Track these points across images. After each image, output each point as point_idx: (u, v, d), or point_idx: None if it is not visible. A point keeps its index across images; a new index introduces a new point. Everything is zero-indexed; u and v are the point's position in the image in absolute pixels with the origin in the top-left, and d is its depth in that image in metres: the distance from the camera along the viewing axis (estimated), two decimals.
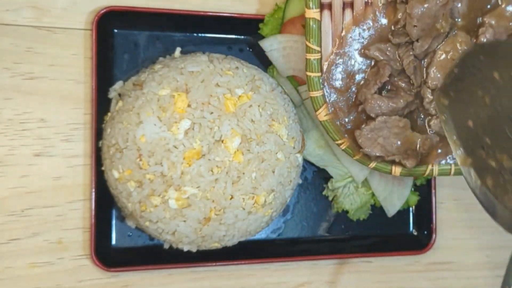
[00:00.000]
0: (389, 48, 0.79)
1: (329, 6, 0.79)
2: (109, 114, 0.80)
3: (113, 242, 0.83)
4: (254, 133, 0.75)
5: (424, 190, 0.90)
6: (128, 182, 0.74)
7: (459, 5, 0.79)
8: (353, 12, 0.80)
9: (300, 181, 0.83)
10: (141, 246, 0.84)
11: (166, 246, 0.80)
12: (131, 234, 0.83)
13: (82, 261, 0.82)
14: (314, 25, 0.77)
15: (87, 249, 0.81)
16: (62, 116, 0.81)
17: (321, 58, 0.78)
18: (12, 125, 0.79)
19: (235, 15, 0.85)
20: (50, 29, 0.81)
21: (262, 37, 0.85)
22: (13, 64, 0.79)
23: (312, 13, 0.77)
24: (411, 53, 0.79)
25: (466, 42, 0.79)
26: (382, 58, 0.79)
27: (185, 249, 0.78)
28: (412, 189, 0.88)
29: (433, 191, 0.90)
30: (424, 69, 0.81)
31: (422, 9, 0.76)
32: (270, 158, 0.76)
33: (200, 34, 0.86)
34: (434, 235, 0.90)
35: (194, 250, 0.79)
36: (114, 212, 0.83)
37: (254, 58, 0.86)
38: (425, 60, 0.81)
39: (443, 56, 0.80)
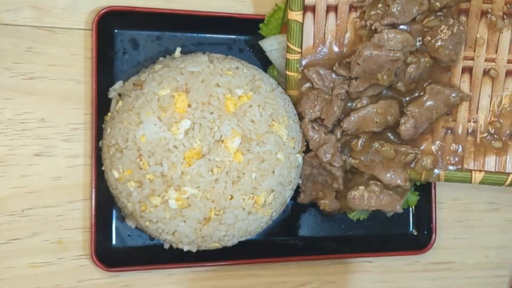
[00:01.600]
0: (327, 76, 0.82)
1: (313, 9, 0.81)
2: (109, 114, 0.80)
3: (113, 242, 0.83)
4: (254, 133, 0.75)
5: (424, 190, 0.90)
6: (128, 182, 0.74)
7: (409, 70, 0.80)
8: (336, 15, 0.81)
9: (300, 181, 0.83)
10: (141, 246, 0.84)
11: (166, 246, 0.80)
12: (131, 234, 0.83)
13: (82, 261, 0.82)
14: (295, 27, 0.80)
15: (87, 249, 0.81)
16: (62, 116, 0.81)
17: (301, 59, 0.81)
18: (12, 125, 0.79)
19: (235, 15, 0.85)
20: (50, 29, 0.81)
21: (262, 37, 0.85)
22: (13, 64, 0.79)
23: (294, 15, 0.80)
24: (345, 87, 0.81)
25: (395, 117, 0.81)
26: (317, 82, 0.81)
27: (185, 249, 0.78)
28: (412, 189, 0.88)
29: (433, 191, 0.90)
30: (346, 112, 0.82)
31: (372, 53, 0.78)
32: (270, 158, 0.76)
33: (200, 34, 0.86)
34: (434, 235, 0.90)
35: (194, 250, 0.79)
36: (114, 212, 0.83)
37: (254, 58, 0.86)
38: (354, 103, 0.82)
39: (372, 112, 0.81)
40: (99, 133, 0.79)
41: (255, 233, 0.80)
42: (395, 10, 0.79)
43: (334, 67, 0.81)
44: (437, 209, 0.91)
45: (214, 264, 0.84)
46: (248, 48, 0.88)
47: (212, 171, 0.73)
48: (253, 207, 0.76)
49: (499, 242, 0.96)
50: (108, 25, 0.81)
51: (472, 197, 0.95)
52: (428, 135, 0.83)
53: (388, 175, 0.82)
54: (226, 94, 0.75)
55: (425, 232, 0.91)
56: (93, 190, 0.79)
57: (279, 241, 0.89)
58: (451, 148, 0.83)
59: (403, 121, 0.81)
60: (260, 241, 0.88)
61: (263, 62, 0.86)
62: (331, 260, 0.90)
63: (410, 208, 0.93)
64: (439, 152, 0.83)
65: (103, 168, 0.79)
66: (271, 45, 0.84)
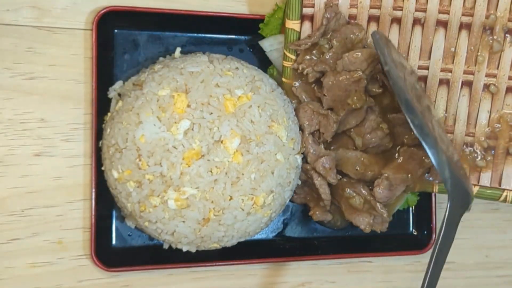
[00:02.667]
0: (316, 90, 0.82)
1: (311, 18, 0.80)
2: (109, 114, 0.80)
3: (113, 242, 0.83)
4: (253, 134, 0.75)
5: None
6: (128, 182, 0.74)
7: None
8: None
9: (300, 182, 0.83)
10: (141, 246, 0.84)
11: (165, 246, 0.80)
12: (131, 234, 0.83)
13: (82, 261, 0.82)
14: (292, 35, 0.81)
15: (87, 249, 0.81)
16: (62, 116, 0.81)
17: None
18: (12, 125, 0.79)
19: (235, 15, 0.85)
20: (50, 29, 0.81)
21: (262, 37, 0.85)
22: (13, 64, 0.79)
23: (292, 24, 0.80)
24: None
25: (375, 175, 0.81)
26: (304, 98, 0.82)
27: (184, 249, 0.78)
28: None
29: None
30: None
31: (333, 80, 0.78)
32: (269, 159, 0.75)
33: (200, 34, 0.86)
34: (434, 235, 0.90)
35: (193, 250, 0.79)
36: (114, 212, 0.83)
37: (254, 58, 0.86)
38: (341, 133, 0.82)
39: (357, 158, 0.81)
40: (99, 133, 0.80)
41: (254, 233, 0.80)
42: (329, 58, 0.79)
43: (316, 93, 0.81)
44: (437, 209, 0.91)
45: (214, 264, 0.84)
46: (248, 48, 0.87)
47: (211, 171, 0.73)
48: (252, 208, 0.76)
49: (499, 242, 0.96)
50: (108, 25, 0.81)
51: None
52: None
53: (353, 216, 0.82)
54: (225, 94, 0.75)
55: (425, 232, 0.91)
56: (93, 190, 0.79)
57: (279, 241, 0.89)
58: None
59: (377, 183, 0.80)
60: (260, 241, 0.88)
61: (263, 62, 0.86)
62: (331, 260, 0.90)
63: (410, 208, 0.93)
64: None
65: (103, 168, 0.79)
66: (271, 45, 0.84)
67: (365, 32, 0.81)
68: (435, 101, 0.83)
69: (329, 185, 0.82)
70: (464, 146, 0.83)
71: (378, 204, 0.81)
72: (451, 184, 0.72)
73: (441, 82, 0.82)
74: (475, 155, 0.82)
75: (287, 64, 0.82)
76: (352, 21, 0.81)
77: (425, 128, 0.70)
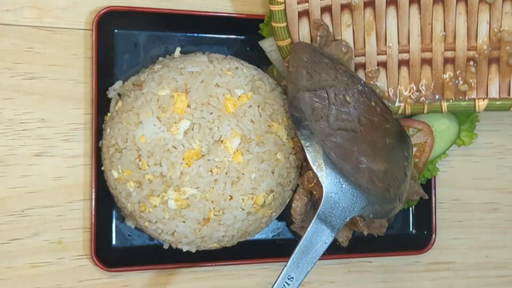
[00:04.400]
0: None
1: None
2: (108, 114, 0.80)
3: (113, 242, 0.83)
4: (253, 134, 0.75)
5: (424, 190, 0.89)
6: (128, 183, 0.74)
7: None
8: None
9: (300, 182, 0.83)
10: (141, 246, 0.84)
11: (165, 246, 0.80)
12: (131, 234, 0.83)
13: (82, 261, 0.82)
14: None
15: (87, 249, 0.81)
16: (62, 116, 0.81)
17: (285, 9, 0.79)
18: (12, 125, 0.79)
19: (235, 15, 0.85)
20: (50, 29, 0.81)
21: (262, 37, 0.85)
22: (13, 64, 0.79)
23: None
24: None
25: None
26: None
27: (184, 249, 0.78)
28: None
29: (433, 191, 0.90)
30: None
31: None
32: (269, 159, 0.76)
33: (200, 34, 0.86)
34: (434, 235, 0.90)
35: (193, 250, 0.79)
36: (114, 212, 0.83)
37: (254, 58, 0.86)
38: None
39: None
40: (99, 133, 0.80)
41: (255, 233, 0.80)
42: None
43: None
44: (437, 209, 0.91)
45: (214, 264, 0.84)
46: (248, 48, 0.87)
47: (211, 171, 0.73)
48: (253, 208, 0.76)
49: (499, 242, 0.96)
50: (108, 25, 0.81)
51: (472, 197, 0.95)
52: (427, 66, 0.81)
53: None
54: (225, 94, 0.75)
55: (425, 232, 0.91)
56: (93, 190, 0.79)
57: (279, 241, 0.89)
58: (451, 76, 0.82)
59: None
60: (260, 241, 0.88)
61: (263, 62, 0.85)
62: (331, 260, 0.90)
63: (410, 208, 0.93)
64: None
65: (102, 168, 0.79)
66: (271, 45, 0.84)
67: (352, 50, 0.81)
68: (431, 23, 0.81)
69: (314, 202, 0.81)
70: (444, 75, 0.81)
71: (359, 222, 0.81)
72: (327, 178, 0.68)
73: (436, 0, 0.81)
74: (456, 81, 0.81)
75: (274, 8, 0.80)
76: (339, 39, 0.81)
77: (304, 122, 0.69)
